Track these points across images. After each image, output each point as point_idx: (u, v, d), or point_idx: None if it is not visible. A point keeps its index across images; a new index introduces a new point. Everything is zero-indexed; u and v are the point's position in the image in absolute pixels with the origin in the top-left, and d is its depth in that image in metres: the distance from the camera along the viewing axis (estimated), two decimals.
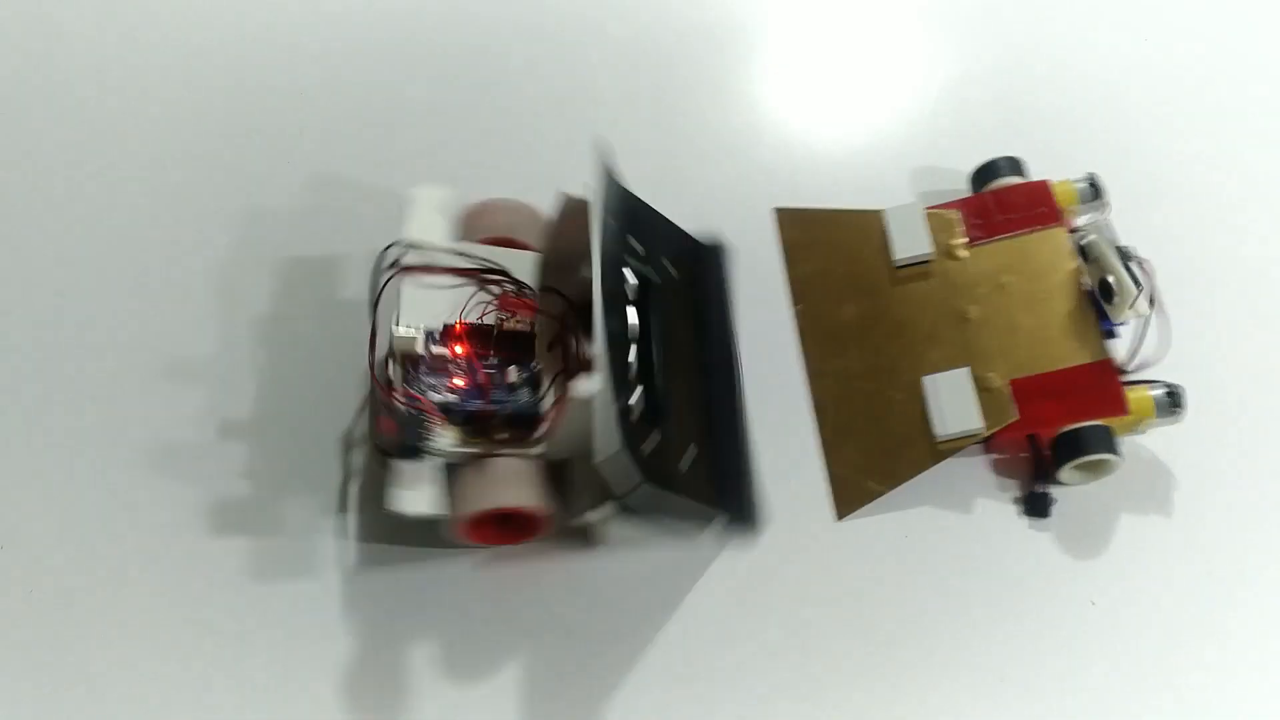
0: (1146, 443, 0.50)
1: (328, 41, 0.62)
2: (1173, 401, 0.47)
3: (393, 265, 0.45)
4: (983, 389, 0.48)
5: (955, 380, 0.48)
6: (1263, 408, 0.52)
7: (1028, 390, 0.48)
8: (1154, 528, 0.49)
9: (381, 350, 0.44)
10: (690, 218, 0.51)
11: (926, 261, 0.51)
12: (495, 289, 0.46)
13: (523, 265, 0.47)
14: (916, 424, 0.48)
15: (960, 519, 0.48)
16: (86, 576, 0.46)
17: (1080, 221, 0.52)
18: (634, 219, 0.46)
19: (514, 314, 0.46)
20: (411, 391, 0.43)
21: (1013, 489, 0.49)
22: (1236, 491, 0.50)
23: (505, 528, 0.44)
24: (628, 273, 0.44)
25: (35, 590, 0.45)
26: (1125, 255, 0.48)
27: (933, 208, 0.53)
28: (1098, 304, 0.48)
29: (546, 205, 0.48)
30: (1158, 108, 0.61)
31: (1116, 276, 0.47)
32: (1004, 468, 0.49)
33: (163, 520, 0.47)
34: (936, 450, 0.48)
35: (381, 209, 0.53)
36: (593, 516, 0.44)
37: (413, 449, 0.42)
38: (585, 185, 0.44)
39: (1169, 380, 0.47)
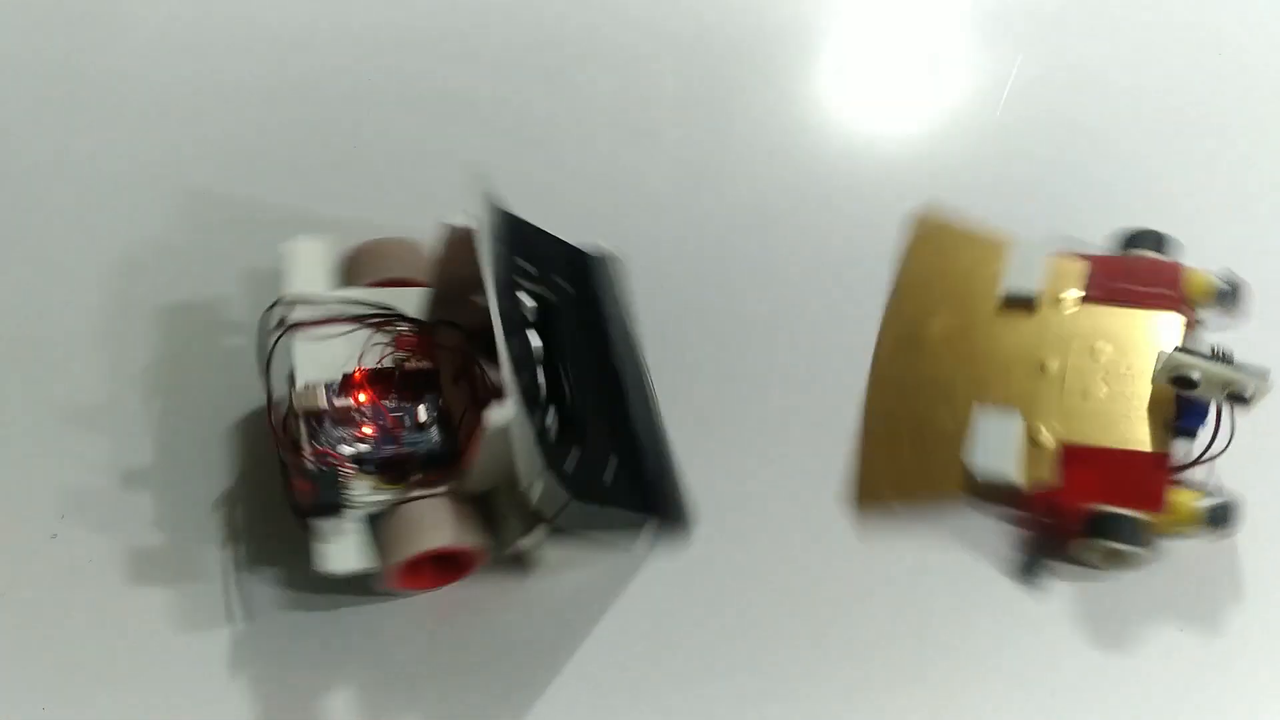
0: None
1: (346, 32, 0.61)
2: (1214, 520, 0.44)
3: (279, 324, 0.44)
4: (1032, 442, 0.46)
5: (1007, 424, 0.47)
6: None
7: (1076, 458, 0.46)
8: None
9: (281, 410, 0.44)
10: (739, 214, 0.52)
11: (1031, 301, 0.50)
12: (390, 331, 0.46)
13: (413, 302, 0.47)
14: (956, 455, 0.47)
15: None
16: None
17: (1207, 317, 0.50)
18: (520, 241, 0.45)
19: (413, 353, 0.45)
20: (320, 448, 0.43)
21: (1017, 545, 0.47)
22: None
23: (438, 570, 0.43)
24: (523, 295, 0.44)
25: None
26: (1222, 356, 0.45)
27: (1064, 253, 0.51)
28: (1183, 402, 0.46)
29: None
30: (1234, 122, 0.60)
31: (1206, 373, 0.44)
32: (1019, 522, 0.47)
33: (74, 568, 0.46)
34: (966, 486, 0.46)
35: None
36: (525, 543, 0.43)
37: (332, 506, 0.41)
38: (467, 213, 0.43)
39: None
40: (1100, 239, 0.54)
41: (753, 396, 0.51)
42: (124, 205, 0.56)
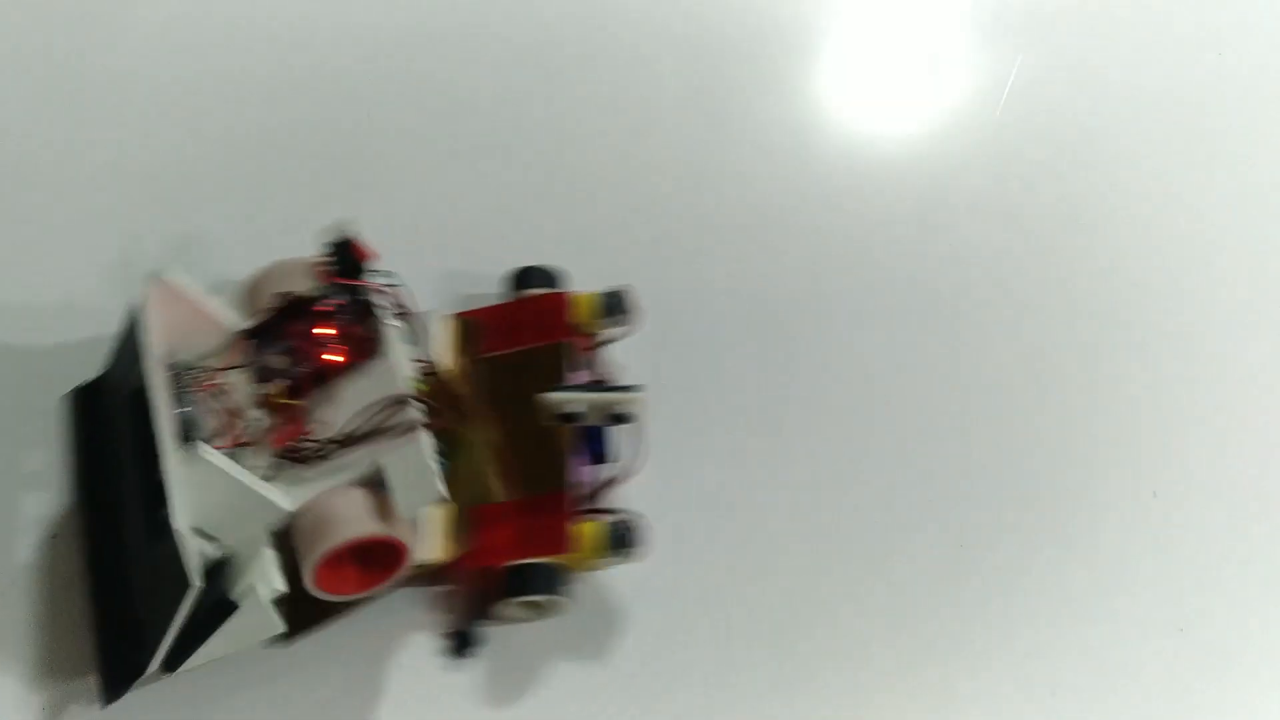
0: None
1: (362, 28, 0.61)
2: (617, 542, 0.43)
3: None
4: (448, 515, 0.44)
5: None
6: None
7: (486, 518, 0.44)
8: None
9: None
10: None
11: (436, 371, 0.46)
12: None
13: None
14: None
15: None
16: None
17: (605, 335, 0.49)
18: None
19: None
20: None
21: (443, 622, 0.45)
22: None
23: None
24: None
25: None
26: (597, 383, 0.46)
27: (464, 313, 0.49)
28: (583, 431, 0.45)
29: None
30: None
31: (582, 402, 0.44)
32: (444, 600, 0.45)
33: (74, 569, 0.45)
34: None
35: None
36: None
37: None
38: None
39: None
40: (1098, 238, 0.54)
41: (752, 394, 0.51)
42: (124, 202, 0.56)
